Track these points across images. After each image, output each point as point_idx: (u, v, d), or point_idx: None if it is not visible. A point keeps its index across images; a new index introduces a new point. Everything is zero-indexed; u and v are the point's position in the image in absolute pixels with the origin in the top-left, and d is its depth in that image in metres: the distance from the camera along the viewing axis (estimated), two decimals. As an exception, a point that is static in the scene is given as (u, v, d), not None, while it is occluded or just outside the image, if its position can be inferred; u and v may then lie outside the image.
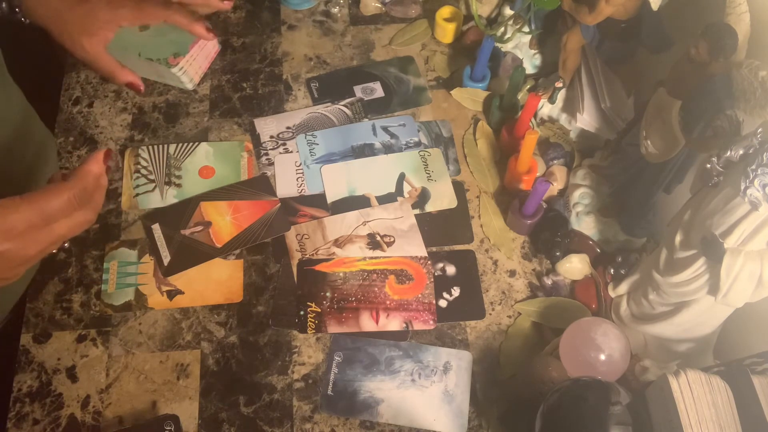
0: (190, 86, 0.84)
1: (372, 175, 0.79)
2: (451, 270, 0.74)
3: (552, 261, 0.74)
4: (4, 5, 0.70)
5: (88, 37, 0.75)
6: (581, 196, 0.76)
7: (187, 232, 0.74)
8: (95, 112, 0.83)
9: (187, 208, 0.76)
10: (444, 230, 0.76)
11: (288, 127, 0.82)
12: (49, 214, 0.52)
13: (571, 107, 0.79)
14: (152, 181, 0.78)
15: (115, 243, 0.74)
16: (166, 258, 0.73)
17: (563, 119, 0.81)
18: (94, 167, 0.56)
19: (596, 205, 0.75)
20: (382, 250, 0.74)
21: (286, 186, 0.78)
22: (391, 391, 0.67)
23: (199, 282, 0.72)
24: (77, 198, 0.53)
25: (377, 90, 0.85)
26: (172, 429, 0.62)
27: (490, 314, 0.72)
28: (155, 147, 0.80)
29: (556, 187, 0.78)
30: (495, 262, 0.75)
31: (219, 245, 0.73)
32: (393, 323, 0.70)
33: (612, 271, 0.71)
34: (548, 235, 0.73)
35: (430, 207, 0.77)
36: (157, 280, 0.72)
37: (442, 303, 0.72)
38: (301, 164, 0.79)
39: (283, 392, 0.67)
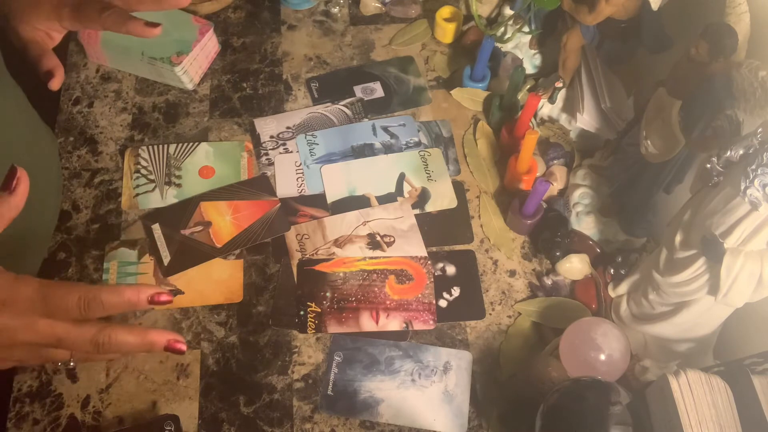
0: (190, 86, 0.84)
1: (372, 175, 0.79)
2: (451, 270, 0.74)
3: (552, 261, 0.74)
4: None
5: (25, 26, 0.73)
6: (581, 196, 0.76)
7: (187, 232, 0.74)
8: (95, 112, 0.83)
9: (187, 208, 0.76)
10: (444, 230, 0.76)
11: (288, 127, 0.82)
12: None
13: (571, 107, 0.79)
14: (152, 181, 0.78)
15: (115, 243, 0.74)
16: (166, 258, 0.73)
17: (563, 119, 0.81)
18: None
19: (596, 205, 0.75)
20: (382, 250, 0.74)
21: (286, 186, 0.78)
22: (391, 391, 0.67)
23: (199, 282, 0.72)
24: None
25: (377, 90, 0.85)
26: (172, 429, 0.62)
27: (490, 314, 0.72)
28: (155, 147, 0.80)
29: (556, 187, 0.78)
30: (495, 262, 0.75)
31: (219, 245, 0.73)
32: (393, 323, 0.70)
33: (612, 271, 0.71)
34: (548, 235, 0.73)
35: (430, 207, 0.77)
36: (157, 280, 0.72)
37: (442, 303, 0.72)
38: (301, 164, 0.79)
39: (283, 392, 0.67)
